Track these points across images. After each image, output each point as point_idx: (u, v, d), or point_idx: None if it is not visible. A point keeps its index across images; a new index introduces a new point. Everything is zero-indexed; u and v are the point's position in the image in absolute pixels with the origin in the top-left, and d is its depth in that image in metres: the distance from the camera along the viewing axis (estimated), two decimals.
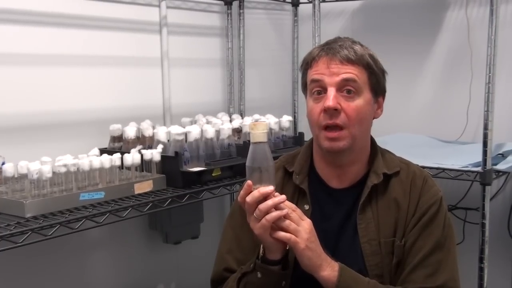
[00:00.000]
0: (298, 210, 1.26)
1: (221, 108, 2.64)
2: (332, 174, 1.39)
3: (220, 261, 1.44)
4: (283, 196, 1.22)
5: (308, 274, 1.26)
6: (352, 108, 1.30)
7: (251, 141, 1.23)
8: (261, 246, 1.29)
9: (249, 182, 1.22)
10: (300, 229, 1.22)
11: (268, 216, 1.20)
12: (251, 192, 1.21)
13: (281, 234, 1.22)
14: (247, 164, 1.23)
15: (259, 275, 1.28)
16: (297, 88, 2.88)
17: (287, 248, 1.28)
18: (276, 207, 1.21)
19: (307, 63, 1.36)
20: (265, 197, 1.20)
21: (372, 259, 1.34)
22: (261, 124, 1.22)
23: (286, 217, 1.22)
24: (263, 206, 1.20)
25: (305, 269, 1.25)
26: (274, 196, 1.21)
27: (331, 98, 1.28)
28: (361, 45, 1.35)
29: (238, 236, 1.42)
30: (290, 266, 1.30)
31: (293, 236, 1.21)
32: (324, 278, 1.24)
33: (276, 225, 1.22)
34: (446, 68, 2.59)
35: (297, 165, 1.42)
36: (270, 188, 1.21)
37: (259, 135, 1.22)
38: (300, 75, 1.43)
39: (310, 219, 1.34)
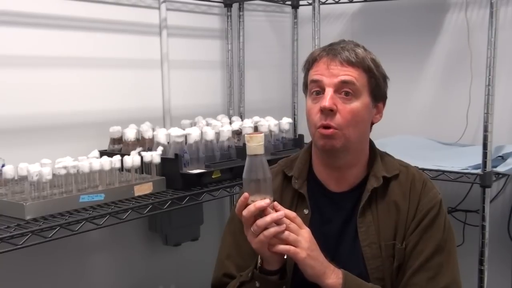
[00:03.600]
0: (298, 219, 1.24)
1: (220, 110, 2.64)
2: (331, 178, 1.39)
3: (220, 267, 1.44)
4: (282, 212, 1.21)
5: (308, 280, 1.25)
6: (347, 110, 1.29)
7: (248, 153, 1.21)
8: (259, 256, 1.28)
9: (245, 194, 1.21)
10: (300, 239, 1.22)
11: (266, 232, 1.19)
12: (247, 204, 1.20)
13: (280, 247, 1.21)
14: (243, 176, 1.22)
15: (257, 284, 1.28)
16: (297, 90, 2.88)
17: (285, 258, 1.27)
18: (275, 222, 1.20)
19: (309, 63, 1.36)
20: (262, 211, 1.19)
21: (373, 262, 1.34)
22: (257, 137, 1.20)
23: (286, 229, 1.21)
24: (260, 222, 1.19)
25: (309, 278, 1.24)
26: (274, 208, 1.21)
27: (327, 98, 1.28)
28: (365, 49, 1.35)
29: (238, 241, 1.41)
30: (288, 275, 1.29)
31: (292, 247, 1.21)
32: (329, 286, 1.24)
33: (275, 236, 1.21)
34: (446, 70, 2.59)
35: (296, 170, 1.42)
36: (266, 201, 1.19)
37: (255, 147, 1.20)
38: (300, 76, 1.43)
39: (310, 223, 1.33)
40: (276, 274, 1.27)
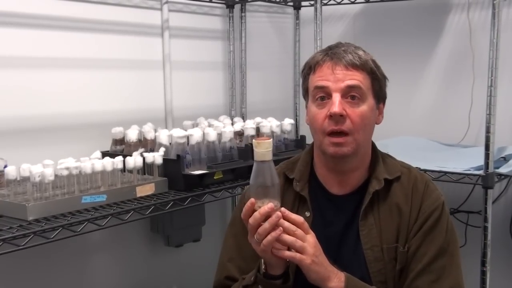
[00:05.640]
0: (305, 224, 1.23)
1: (222, 111, 2.64)
2: (334, 180, 1.39)
3: (222, 269, 1.44)
4: (278, 214, 1.19)
5: (310, 283, 1.25)
6: (357, 114, 1.29)
7: (255, 159, 1.20)
8: (262, 260, 1.28)
9: (251, 200, 1.20)
10: (306, 245, 1.21)
11: (265, 241, 1.18)
12: (253, 210, 1.19)
13: (287, 254, 1.21)
14: (251, 182, 1.21)
15: None
16: (298, 91, 2.88)
17: (288, 261, 1.26)
18: (277, 224, 1.19)
19: (310, 68, 1.35)
20: (267, 217, 1.18)
21: (375, 265, 1.33)
22: (265, 143, 1.19)
23: (291, 234, 1.20)
24: (261, 229, 1.18)
25: (313, 282, 1.24)
26: (282, 214, 1.19)
27: (336, 104, 1.27)
28: (363, 50, 1.35)
29: (240, 244, 1.40)
30: (291, 279, 1.29)
31: (298, 254, 1.20)
32: None
33: (280, 243, 1.20)
34: (448, 71, 2.59)
35: (297, 172, 1.42)
36: (270, 205, 1.18)
37: (264, 153, 1.19)
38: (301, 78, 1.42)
39: (311, 226, 1.33)
40: (280, 278, 1.27)
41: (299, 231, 1.21)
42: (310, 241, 1.22)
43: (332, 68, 1.30)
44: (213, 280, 1.47)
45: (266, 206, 1.18)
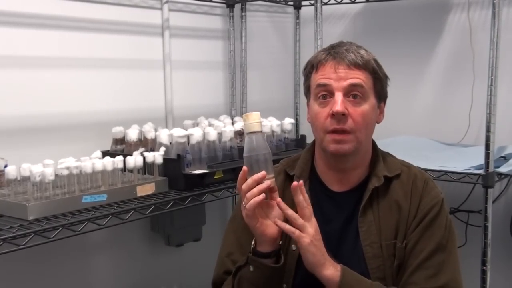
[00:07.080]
0: (310, 208, 1.26)
1: (223, 110, 2.64)
2: (334, 178, 1.40)
3: (221, 264, 1.45)
4: (268, 182, 1.23)
5: (310, 278, 1.26)
6: (358, 113, 1.30)
7: (246, 131, 1.25)
8: (254, 239, 1.30)
9: (244, 168, 1.24)
10: (308, 225, 1.23)
11: (248, 205, 1.22)
12: (246, 179, 1.23)
13: (287, 227, 1.23)
14: (244, 154, 1.25)
15: (251, 268, 1.29)
16: (299, 90, 2.88)
17: (279, 244, 1.29)
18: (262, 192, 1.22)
19: (312, 66, 1.36)
20: (258, 184, 1.22)
21: (374, 262, 1.34)
22: (253, 114, 1.24)
23: (300, 208, 1.24)
24: (249, 194, 1.22)
25: (308, 267, 1.25)
26: (270, 183, 1.23)
27: (339, 103, 1.28)
28: (365, 50, 1.36)
29: (240, 239, 1.42)
30: (282, 260, 1.30)
31: (297, 231, 1.22)
32: (327, 277, 1.25)
33: (286, 215, 1.23)
34: (448, 70, 2.59)
35: (298, 169, 1.43)
36: (263, 173, 1.22)
37: (253, 125, 1.24)
38: (302, 77, 1.42)
39: None
40: (269, 257, 1.28)
41: (308, 210, 1.24)
42: (313, 222, 1.25)
43: (335, 67, 1.30)
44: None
45: (260, 173, 1.22)
